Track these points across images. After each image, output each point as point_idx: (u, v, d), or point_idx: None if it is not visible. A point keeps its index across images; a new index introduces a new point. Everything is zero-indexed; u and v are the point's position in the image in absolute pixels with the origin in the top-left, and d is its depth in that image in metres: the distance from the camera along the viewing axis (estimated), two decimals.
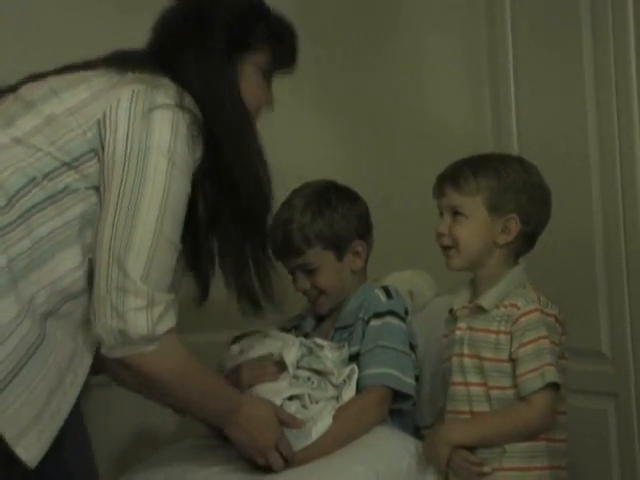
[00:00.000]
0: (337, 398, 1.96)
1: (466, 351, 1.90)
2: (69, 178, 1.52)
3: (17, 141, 1.53)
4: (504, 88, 2.68)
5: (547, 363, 1.80)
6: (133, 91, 1.56)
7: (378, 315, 2.05)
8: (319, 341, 2.02)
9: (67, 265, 1.52)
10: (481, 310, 1.90)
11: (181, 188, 1.57)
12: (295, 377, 1.93)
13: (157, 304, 1.52)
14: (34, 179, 1.50)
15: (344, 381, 1.97)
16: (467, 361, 1.89)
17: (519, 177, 1.91)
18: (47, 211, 1.50)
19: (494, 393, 1.86)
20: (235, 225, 1.70)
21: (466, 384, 1.89)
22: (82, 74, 1.62)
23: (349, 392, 1.96)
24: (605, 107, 2.40)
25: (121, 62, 1.65)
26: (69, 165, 1.52)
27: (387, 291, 2.10)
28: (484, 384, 1.87)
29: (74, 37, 2.33)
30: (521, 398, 1.82)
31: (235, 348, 2.06)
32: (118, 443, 2.26)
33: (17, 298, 1.44)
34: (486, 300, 1.89)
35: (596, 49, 2.42)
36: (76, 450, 1.60)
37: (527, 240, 1.94)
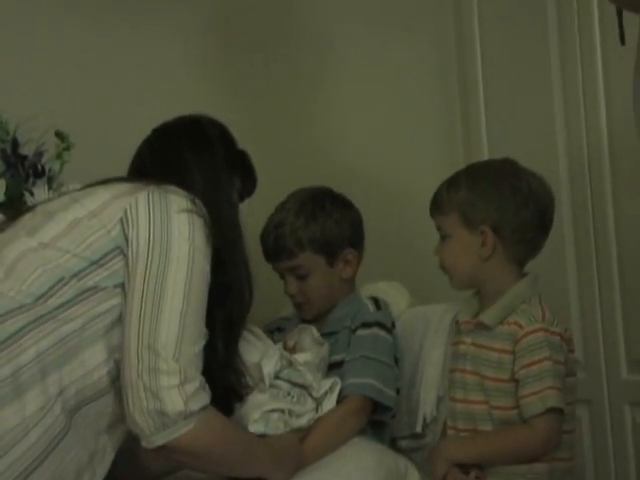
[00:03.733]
0: (316, 409, 1.95)
1: (468, 367, 1.86)
2: (98, 276, 1.56)
3: (44, 246, 1.58)
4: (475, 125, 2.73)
5: (548, 387, 1.73)
6: (148, 193, 1.63)
7: (366, 325, 2.05)
8: (304, 330, 2.03)
9: (94, 361, 1.54)
10: (484, 326, 1.84)
11: (203, 270, 1.61)
12: (274, 387, 1.92)
13: (190, 381, 1.54)
14: (62, 279, 1.54)
15: (325, 393, 1.96)
16: (469, 378, 1.85)
17: (488, 185, 1.85)
18: (76, 308, 1.54)
19: (496, 413, 1.81)
20: (216, 330, 1.70)
21: (467, 401, 1.86)
22: (97, 187, 1.69)
23: (329, 404, 1.95)
24: (575, 129, 2.44)
25: (130, 177, 1.75)
26: (97, 263, 1.57)
27: (376, 302, 2.10)
28: (486, 402, 1.82)
29: (42, 51, 2.37)
30: (524, 420, 1.77)
31: None
32: None
33: (43, 390, 1.47)
34: (488, 316, 1.84)
35: (565, 73, 2.46)
36: None
37: (523, 245, 1.86)
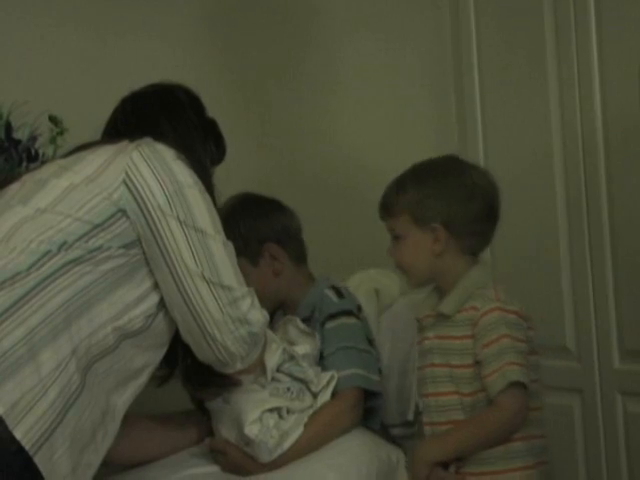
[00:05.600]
0: (312, 405, 1.95)
1: (436, 360, 1.88)
2: (101, 239, 1.58)
3: (42, 211, 1.59)
4: (471, 121, 2.73)
5: (508, 362, 1.76)
6: (139, 150, 1.65)
7: (332, 316, 2.05)
8: (297, 329, 2.03)
9: (99, 319, 1.56)
10: (444, 317, 1.87)
11: (212, 203, 1.71)
12: (275, 380, 1.92)
13: (253, 294, 1.72)
14: (64, 243, 1.55)
15: (322, 388, 1.96)
16: (438, 371, 1.87)
17: (435, 183, 1.89)
18: (83, 266, 1.55)
19: (467, 400, 1.83)
20: None
21: (437, 394, 1.87)
22: (81, 153, 1.70)
23: (324, 397, 1.96)
24: (569, 118, 2.44)
25: (109, 139, 1.75)
26: (100, 227, 1.58)
27: (337, 291, 2.10)
28: (456, 392, 1.84)
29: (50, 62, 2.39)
30: (490, 401, 1.79)
31: None
32: None
33: (55, 350, 1.47)
34: (446, 306, 1.87)
35: (560, 68, 2.47)
36: None
37: (474, 237, 1.90)
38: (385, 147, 2.73)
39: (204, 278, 1.64)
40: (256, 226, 2.12)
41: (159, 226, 1.62)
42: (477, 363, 1.81)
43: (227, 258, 1.68)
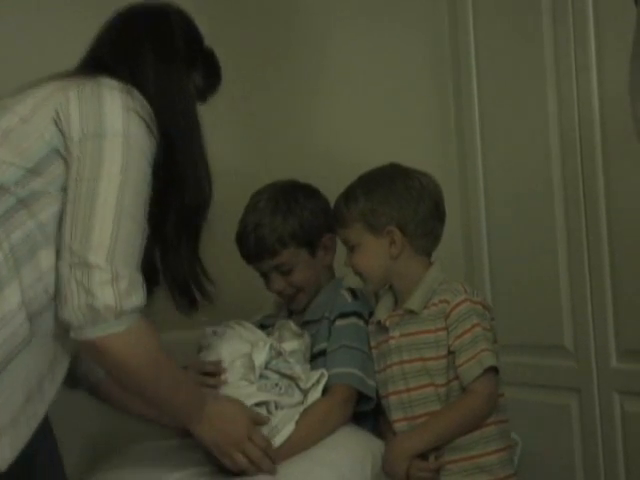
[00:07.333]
0: (303, 402, 1.96)
1: (406, 357, 1.96)
2: (36, 184, 1.53)
3: None
4: (468, 119, 2.72)
5: (482, 349, 1.86)
6: (78, 89, 1.58)
7: (344, 315, 2.07)
8: (285, 328, 2.05)
9: (45, 265, 1.51)
10: (411, 314, 1.96)
11: (140, 167, 1.57)
12: (263, 377, 1.93)
13: (122, 277, 1.50)
14: (1, 187, 1.50)
15: (312, 385, 1.97)
16: (408, 367, 1.95)
17: (383, 190, 1.98)
18: (22, 213, 1.50)
19: (442, 390, 1.91)
20: (176, 222, 1.69)
21: (411, 390, 1.94)
22: (31, 89, 1.63)
23: (315, 395, 1.97)
24: (568, 130, 2.44)
25: (65, 73, 1.69)
26: (34, 171, 1.53)
27: (353, 292, 2.12)
28: (431, 384, 1.92)
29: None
30: (464, 388, 1.88)
31: (209, 330, 2.05)
32: (87, 443, 2.23)
33: (1, 302, 1.44)
34: (414, 303, 1.96)
35: (557, 51, 2.46)
36: (47, 467, 1.62)
37: (426, 237, 2.00)
38: (382, 147, 2.72)
39: (71, 232, 1.50)
40: (317, 216, 2.15)
41: (68, 169, 1.54)
42: (450, 353, 1.90)
43: (111, 227, 1.51)
